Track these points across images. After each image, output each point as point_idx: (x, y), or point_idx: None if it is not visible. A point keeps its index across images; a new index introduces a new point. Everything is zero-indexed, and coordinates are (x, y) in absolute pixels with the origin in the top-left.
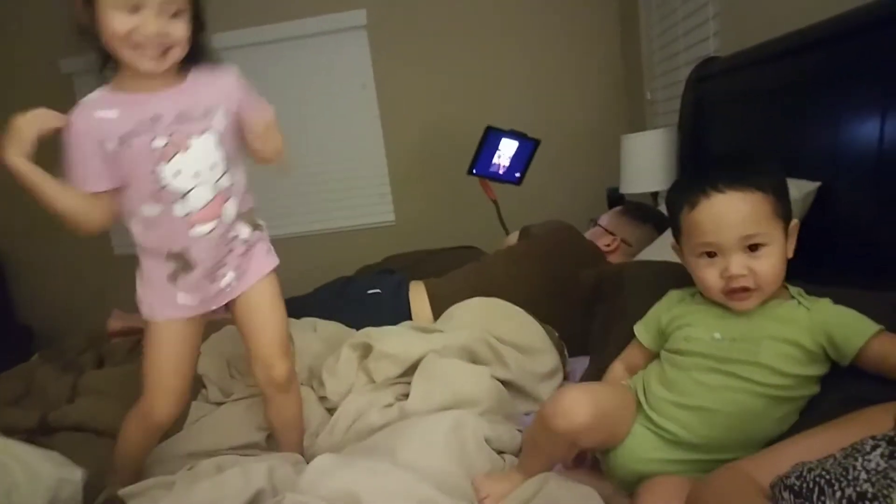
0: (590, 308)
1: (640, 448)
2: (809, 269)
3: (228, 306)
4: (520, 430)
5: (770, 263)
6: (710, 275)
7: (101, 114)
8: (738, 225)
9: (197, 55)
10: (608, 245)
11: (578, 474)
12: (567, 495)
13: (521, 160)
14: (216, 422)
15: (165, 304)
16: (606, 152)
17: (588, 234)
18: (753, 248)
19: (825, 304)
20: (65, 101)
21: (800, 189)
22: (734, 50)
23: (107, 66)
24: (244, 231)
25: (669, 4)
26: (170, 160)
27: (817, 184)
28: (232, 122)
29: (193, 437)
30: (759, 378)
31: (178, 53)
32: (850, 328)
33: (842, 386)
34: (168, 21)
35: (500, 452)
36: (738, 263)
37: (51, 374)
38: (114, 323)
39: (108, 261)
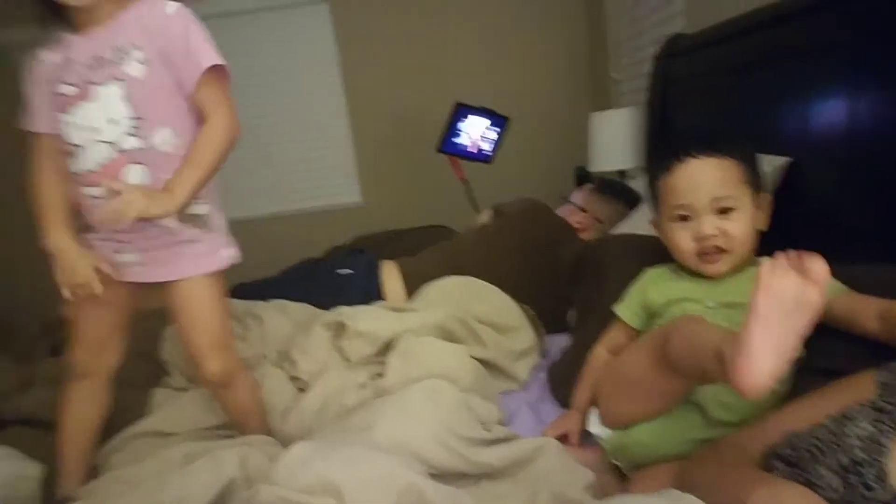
0: (569, 285)
1: (670, 425)
2: (778, 243)
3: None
4: (498, 408)
5: (740, 226)
6: (683, 238)
7: (44, 55)
8: (710, 186)
9: None
10: (580, 222)
11: (572, 452)
12: (562, 468)
13: (492, 137)
14: (183, 405)
15: None
16: (574, 131)
17: (560, 212)
18: (724, 211)
19: None
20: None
21: (770, 163)
22: (701, 27)
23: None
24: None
25: None
26: (70, 109)
27: (787, 159)
28: (159, 71)
29: (159, 419)
30: None
31: None
32: None
33: (816, 361)
34: None
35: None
36: (710, 223)
37: (2, 364)
38: (70, 309)
39: None
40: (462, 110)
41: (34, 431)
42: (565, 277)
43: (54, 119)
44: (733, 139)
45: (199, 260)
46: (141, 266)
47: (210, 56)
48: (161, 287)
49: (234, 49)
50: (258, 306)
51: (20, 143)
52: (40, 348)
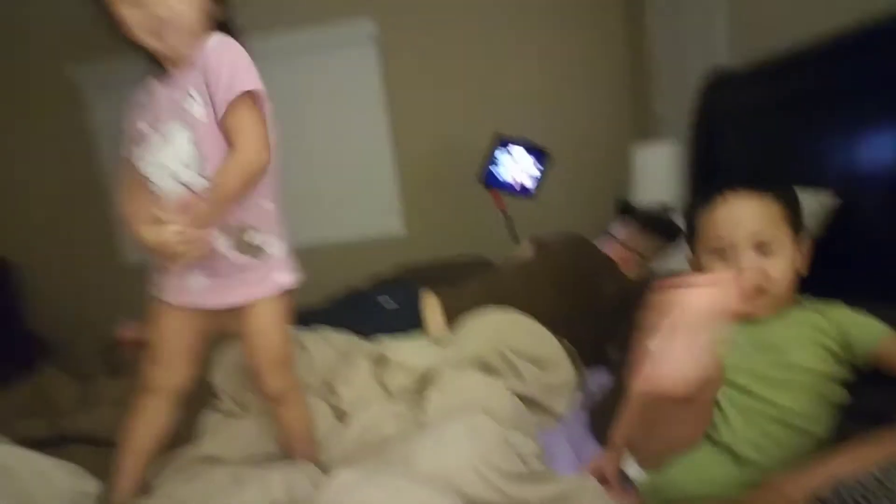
0: (613, 322)
1: (706, 468)
2: (827, 283)
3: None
4: (536, 443)
5: (780, 266)
6: None
7: (139, 92)
8: (750, 224)
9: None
10: (622, 257)
11: (610, 494)
12: None
13: (535, 174)
14: (233, 431)
15: (165, 283)
16: (616, 163)
17: (601, 246)
18: (764, 251)
19: (838, 307)
20: (70, 108)
21: (818, 200)
22: (744, 60)
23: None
24: (223, 244)
25: (678, 15)
26: (145, 146)
27: (836, 198)
28: (213, 109)
29: (212, 444)
30: (793, 377)
31: (178, 30)
32: (865, 327)
33: (862, 402)
34: None
35: None
36: (749, 259)
37: (62, 384)
38: (125, 332)
39: (117, 270)
40: (503, 142)
41: (93, 449)
42: (607, 312)
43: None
44: (776, 179)
45: (259, 285)
46: (209, 292)
47: (241, 81)
48: (235, 314)
49: (286, 86)
50: (302, 334)
51: (86, 173)
52: (98, 369)
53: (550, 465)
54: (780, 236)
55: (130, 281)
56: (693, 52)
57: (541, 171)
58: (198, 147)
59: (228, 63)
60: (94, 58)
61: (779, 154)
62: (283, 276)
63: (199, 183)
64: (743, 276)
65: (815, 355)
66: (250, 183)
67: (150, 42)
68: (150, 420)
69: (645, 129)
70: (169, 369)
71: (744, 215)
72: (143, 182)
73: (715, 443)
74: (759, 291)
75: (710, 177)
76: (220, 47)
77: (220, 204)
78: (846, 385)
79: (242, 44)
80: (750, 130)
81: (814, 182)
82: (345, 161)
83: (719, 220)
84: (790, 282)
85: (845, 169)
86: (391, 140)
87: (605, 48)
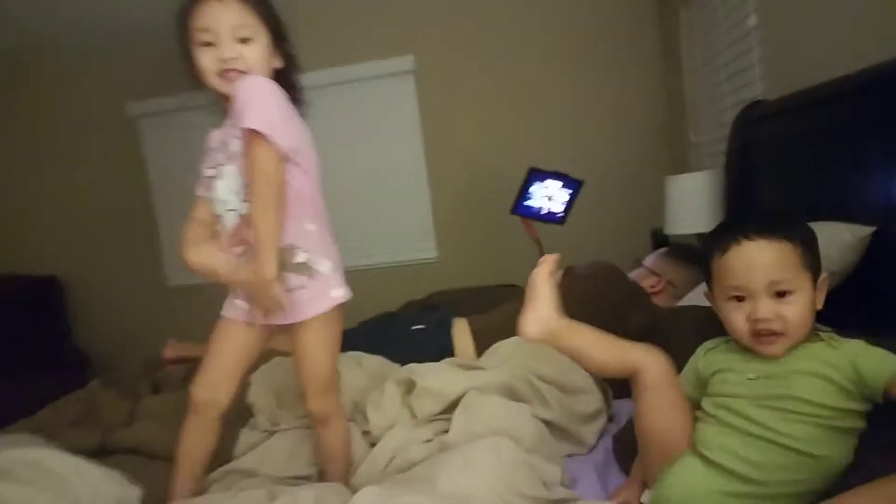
0: None
1: (693, 479)
2: (863, 313)
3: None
4: (562, 469)
5: (797, 310)
6: (737, 318)
7: (209, 139)
8: (767, 270)
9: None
10: (653, 286)
11: None
12: None
13: (565, 200)
14: (268, 452)
15: (229, 303)
16: (651, 193)
17: (633, 275)
18: (781, 294)
19: (853, 341)
20: (129, 143)
21: (854, 233)
22: (780, 93)
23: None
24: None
25: (713, 48)
26: (210, 186)
27: (872, 228)
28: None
29: (245, 465)
30: (794, 408)
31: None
32: (878, 361)
33: (885, 434)
34: (241, 47)
35: None
36: (766, 307)
37: (110, 398)
38: (168, 351)
39: (162, 291)
40: (535, 174)
41: (137, 458)
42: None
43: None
44: (793, 220)
45: (311, 303)
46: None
47: (250, 119)
48: (284, 332)
49: (327, 115)
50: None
51: (135, 198)
52: (143, 386)
53: (577, 492)
54: (797, 280)
55: (173, 302)
56: (728, 85)
57: (571, 197)
58: (243, 176)
59: (249, 99)
60: (148, 94)
61: (813, 185)
62: (334, 291)
63: (244, 207)
64: (764, 325)
65: (819, 388)
66: (274, 202)
67: (217, 85)
68: (198, 438)
69: (680, 160)
70: (216, 390)
71: (759, 262)
72: (209, 220)
73: (707, 460)
74: (776, 335)
75: (744, 207)
76: (248, 84)
77: (268, 238)
78: (869, 415)
79: (297, 89)
80: (784, 162)
81: (847, 213)
82: (382, 187)
83: (735, 266)
84: (808, 322)
85: (879, 200)
86: (427, 168)
87: (641, 81)
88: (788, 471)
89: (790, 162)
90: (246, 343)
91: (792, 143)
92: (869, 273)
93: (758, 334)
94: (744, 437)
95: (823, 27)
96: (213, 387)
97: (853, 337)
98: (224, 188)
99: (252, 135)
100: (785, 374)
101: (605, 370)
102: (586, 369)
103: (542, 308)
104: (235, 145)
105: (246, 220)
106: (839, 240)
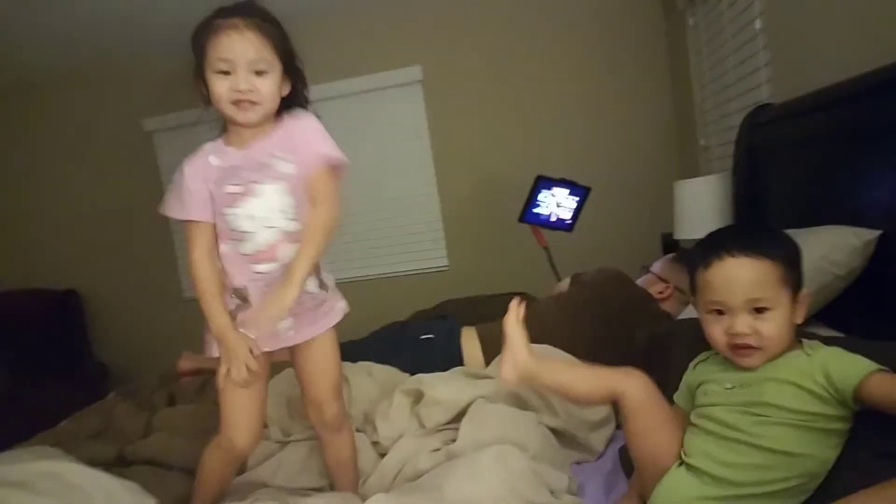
0: (646, 361)
1: (677, 488)
2: (869, 316)
3: (290, 350)
4: (569, 477)
5: (774, 326)
6: (717, 331)
7: (210, 159)
8: (745, 288)
9: (294, 107)
10: (661, 292)
11: None
12: None
13: (572, 207)
14: (281, 463)
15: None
16: (660, 198)
17: (640, 282)
18: (759, 310)
19: (829, 349)
20: (146, 158)
21: (860, 237)
22: (787, 96)
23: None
24: (310, 283)
25: (720, 52)
26: (238, 204)
27: (878, 232)
28: (302, 168)
29: (258, 476)
30: (767, 413)
31: (264, 107)
32: (847, 367)
33: (872, 442)
34: (256, 79)
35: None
36: (743, 323)
37: (127, 410)
38: (183, 363)
39: (178, 304)
40: (543, 183)
41: (153, 469)
42: (641, 350)
43: (209, 209)
44: (777, 237)
45: (329, 316)
46: (293, 330)
47: (329, 148)
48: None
49: (337, 126)
50: (346, 367)
51: (152, 213)
52: (159, 398)
53: (584, 499)
54: (775, 297)
55: (189, 315)
56: (735, 89)
57: (578, 204)
58: (291, 195)
59: (316, 134)
60: (164, 110)
61: (819, 188)
62: (340, 302)
63: (290, 226)
64: (741, 339)
65: (789, 394)
66: (332, 235)
67: (229, 111)
68: (228, 472)
69: (689, 164)
70: (245, 434)
71: (738, 279)
72: (224, 237)
73: (690, 467)
74: (752, 349)
75: (752, 211)
76: (309, 121)
77: (317, 252)
78: (860, 417)
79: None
80: (791, 165)
81: (853, 216)
82: (392, 197)
83: (716, 282)
84: (786, 336)
85: (885, 203)
86: (436, 178)
87: (649, 86)
88: (764, 470)
89: (797, 165)
90: (259, 377)
91: (799, 147)
92: (875, 277)
93: (735, 347)
94: (719, 440)
95: (829, 31)
96: (251, 432)
97: (860, 341)
98: (262, 206)
99: (327, 165)
100: (759, 381)
101: (591, 400)
102: (574, 403)
103: (516, 352)
104: (285, 167)
105: (289, 237)
106: (845, 243)
